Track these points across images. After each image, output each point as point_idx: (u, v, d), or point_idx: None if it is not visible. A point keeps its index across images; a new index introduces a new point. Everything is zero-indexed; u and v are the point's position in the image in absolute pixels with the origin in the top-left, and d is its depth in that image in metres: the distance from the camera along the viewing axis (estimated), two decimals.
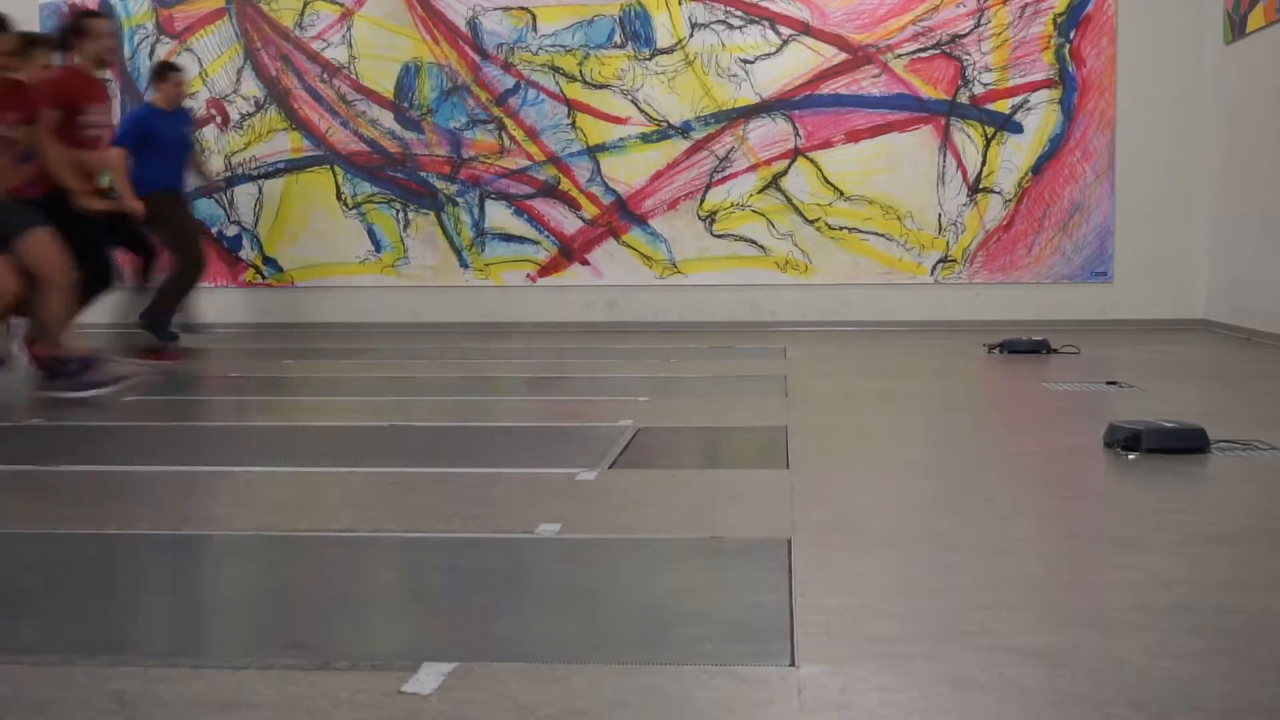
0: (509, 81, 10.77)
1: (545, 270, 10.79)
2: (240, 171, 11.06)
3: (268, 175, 11.03)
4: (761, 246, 10.58)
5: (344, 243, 10.97)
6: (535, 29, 10.72)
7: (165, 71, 8.51)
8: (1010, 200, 10.40)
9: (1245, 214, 9.39)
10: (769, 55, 10.53)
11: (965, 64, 10.37)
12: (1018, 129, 10.36)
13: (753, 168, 10.57)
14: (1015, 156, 10.37)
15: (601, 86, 10.67)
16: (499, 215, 10.82)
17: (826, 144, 10.49)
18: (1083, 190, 10.34)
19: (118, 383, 6.17)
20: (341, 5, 10.90)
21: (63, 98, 6.76)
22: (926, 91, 10.40)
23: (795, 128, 10.50)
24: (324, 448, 4.89)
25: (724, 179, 10.60)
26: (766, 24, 10.52)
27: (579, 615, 2.57)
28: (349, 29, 10.90)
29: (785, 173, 10.53)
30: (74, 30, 7.13)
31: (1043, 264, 10.41)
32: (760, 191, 10.56)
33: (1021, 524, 3.43)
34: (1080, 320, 10.14)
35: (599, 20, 10.66)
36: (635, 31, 10.63)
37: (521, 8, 10.71)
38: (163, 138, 8.17)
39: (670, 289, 10.68)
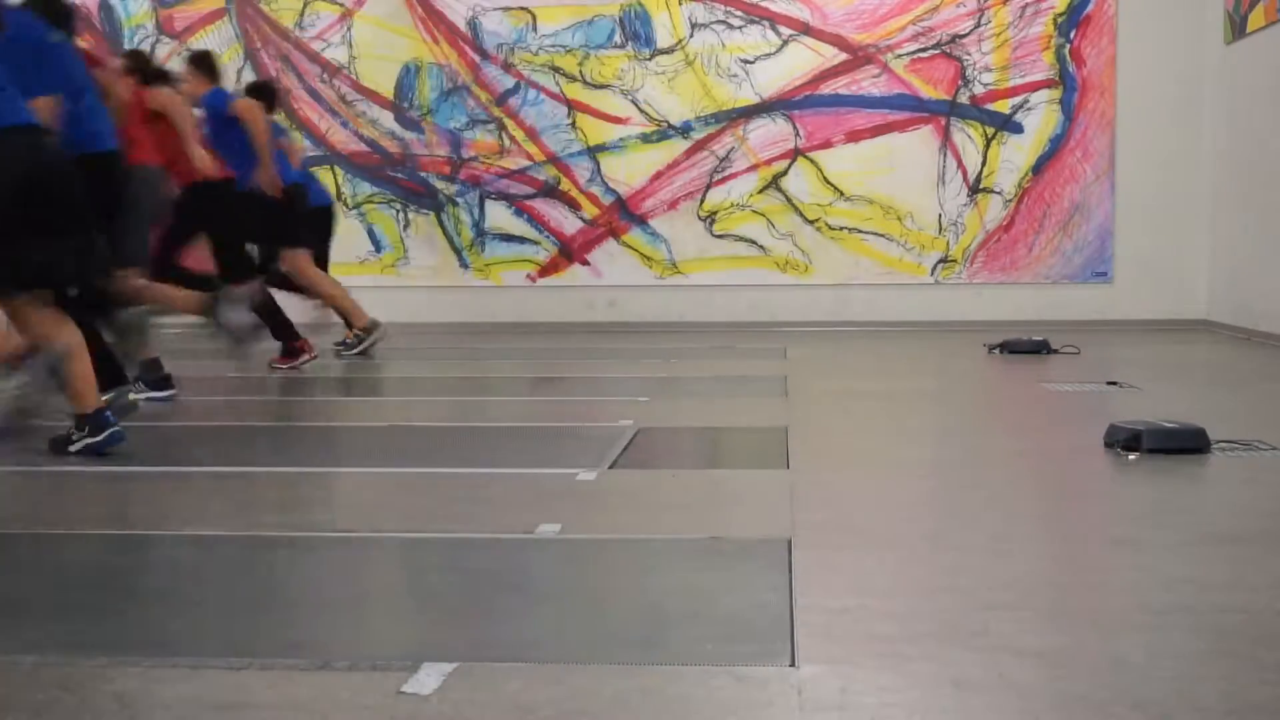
0: (509, 81, 10.77)
1: (545, 270, 10.79)
2: None
3: None
4: (761, 246, 10.58)
5: (344, 243, 10.94)
6: (535, 29, 10.72)
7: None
8: (1010, 200, 10.39)
9: (1245, 214, 9.39)
10: (769, 55, 10.53)
11: (965, 64, 10.37)
12: (1018, 129, 10.36)
13: (753, 168, 10.57)
14: (1015, 156, 10.37)
15: (601, 87, 10.67)
16: (499, 215, 10.82)
17: (826, 144, 10.49)
18: (1083, 190, 10.34)
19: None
20: (341, 5, 10.90)
21: None
22: (926, 91, 10.40)
23: (795, 128, 10.50)
24: (323, 448, 4.89)
25: (724, 179, 10.60)
26: (766, 24, 10.52)
27: (579, 615, 2.57)
28: (349, 29, 10.90)
29: (785, 173, 10.53)
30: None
31: (1043, 264, 10.41)
32: (760, 192, 10.56)
33: (1021, 524, 3.43)
34: (1080, 320, 10.13)
35: (599, 20, 10.66)
36: (635, 32, 10.63)
37: (521, 8, 10.71)
38: None
39: (670, 289, 10.67)
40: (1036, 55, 10.34)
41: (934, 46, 10.40)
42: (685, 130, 10.61)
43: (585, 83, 10.69)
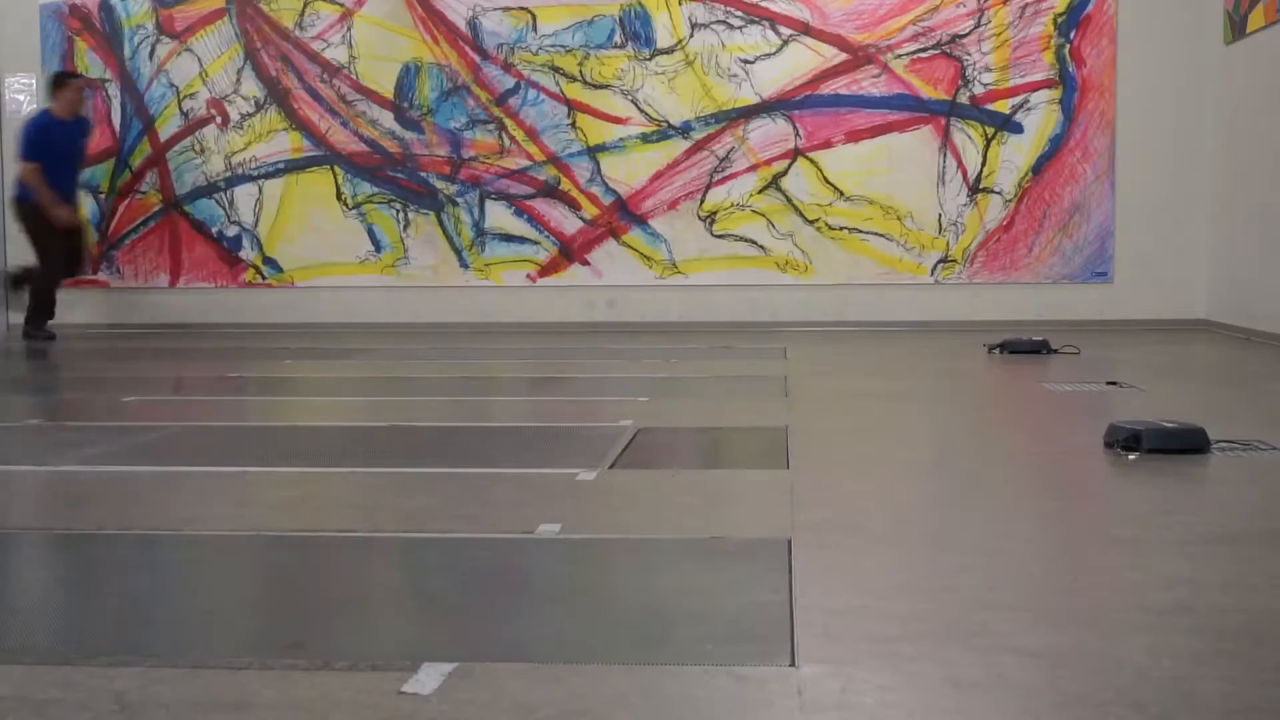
0: (509, 81, 10.77)
1: (545, 270, 10.79)
2: (240, 171, 11.06)
3: (268, 175, 11.03)
4: (761, 247, 10.58)
5: (344, 243, 10.97)
6: (535, 29, 10.72)
7: (64, 80, 9.91)
8: (1010, 200, 10.39)
9: (1245, 214, 9.39)
10: (769, 55, 10.53)
11: (965, 64, 10.37)
12: (1018, 129, 10.36)
13: (753, 168, 10.57)
14: (1015, 156, 10.37)
15: (601, 86, 10.67)
16: (499, 215, 10.82)
17: (826, 144, 10.49)
18: (1083, 190, 10.34)
19: None
20: (341, 5, 10.90)
21: None
22: (926, 91, 10.40)
23: (795, 128, 10.50)
24: (324, 448, 4.89)
25: (724, 179, 10.60)
26: (766, 24, 10.52)
27: (579, 615, 2.57)
28: (349, 29, 10.90)
29: (785, 173, 10.53)
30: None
31: (1043, 264, 10.41)
32: (760, 192, 10.56)
33: (1021, 524, 3.43)
34: (1080, 320, 10.13)
35: (599, 20, 10.66)
36: (635, 32, 10.63)
37: (521, 8, 10.71)
38: (58, 147, 9.66)
39: (670, 289, 10.67)
40: (1036, 55, 10.34)
41: (934, 46, 10.40)
42: (685, 130, 10.61)
43: (585, 83, 10.69)
